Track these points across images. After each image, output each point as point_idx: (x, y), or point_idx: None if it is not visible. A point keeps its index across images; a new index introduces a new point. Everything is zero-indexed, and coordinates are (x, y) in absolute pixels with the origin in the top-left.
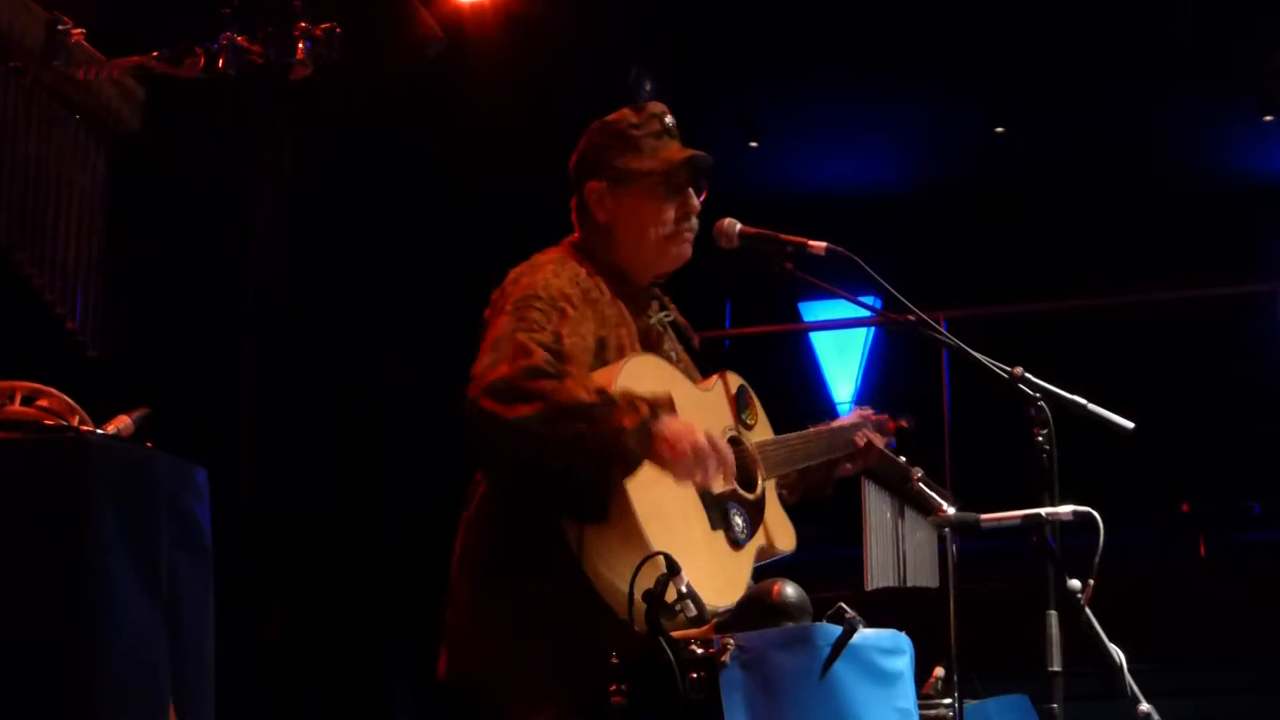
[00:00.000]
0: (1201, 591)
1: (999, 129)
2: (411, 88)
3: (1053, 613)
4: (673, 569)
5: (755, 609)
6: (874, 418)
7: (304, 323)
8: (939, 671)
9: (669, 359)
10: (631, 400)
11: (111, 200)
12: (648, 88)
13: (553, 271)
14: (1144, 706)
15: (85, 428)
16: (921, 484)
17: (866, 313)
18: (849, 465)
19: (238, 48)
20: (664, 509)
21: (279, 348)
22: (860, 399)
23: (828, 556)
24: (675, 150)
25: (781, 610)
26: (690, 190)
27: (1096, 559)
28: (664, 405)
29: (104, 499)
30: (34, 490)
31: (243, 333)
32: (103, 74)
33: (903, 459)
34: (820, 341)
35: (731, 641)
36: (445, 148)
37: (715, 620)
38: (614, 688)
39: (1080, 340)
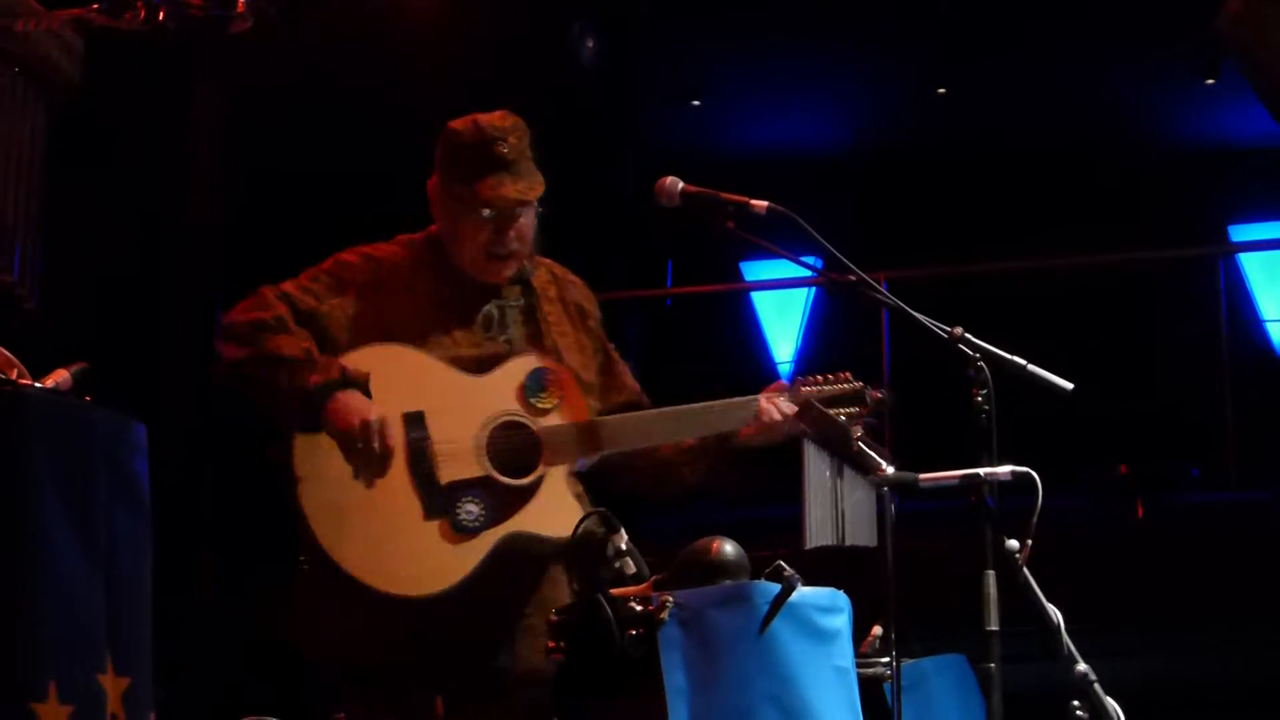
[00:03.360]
0: (1139, 553)
1: (941, 90)
2: (350, 42)
3: (990, 572)
4: (611, 526)
5: (694, 567)
6: (842, 388)
7: (241, 278)
8: (877, 630)
9: (491, 341)
10: (330, 364)
11: (50, 153)
12: (590, 45)
13: (366, 254)
14: (1080, 667)
15: (24, 381)
16: (860, 443)
17: (808, 272)
18: (748, 436)
19: (177, 1)
20: (341, 505)
21: (216, 303)
22: (800, 358)
23: (766, 515)
24: (497, 184)
25: (720, 568)
26: (506, 223)
27: (1034, 519)
28: (359, 380)
29: (42, 452)
30: None
31: (180, 287)
32: (42, 26)
33: (842, 418)
34: (761, 301)
35: (670, 599)
36: (384, 101)
37: (654, 578)
38: (552, 644)
39: (1020, 301)
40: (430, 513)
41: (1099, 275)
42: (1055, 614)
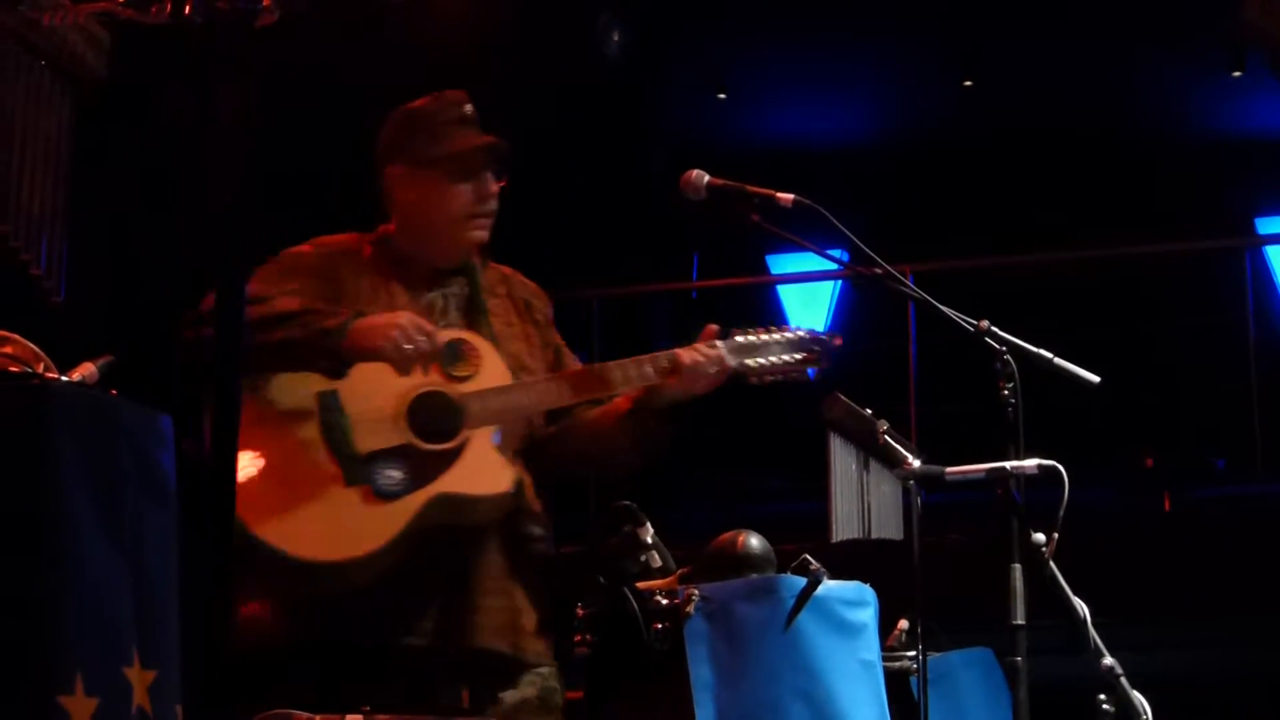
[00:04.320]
0: (1166, 546)
1: (967, 82)
2: (376, 36)
3: (1017, 566)
4: (636, 519)
5: (720, 560)
6: (784, 336)
7: None
8: (903, 624)
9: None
10: (334, 310)
11: (76, 147)
12: (615, 38)
13: (318, 242)
14: (1107, 660)
15: (50, 374)
16: (887, 436)
17: (834, 265)
18: (672, 387)
19: None
20: (257, 481)
21: (243, 296)
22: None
23: (792, 509)
24: (471, 137)
25: (746, 561)
26: (487, 175)
27: (1061, 513)
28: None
29: (68, 445)
30: None
31: (207, 281)
32: (68, 19)
33: (868, 412)
34: (787, 294)
35: (696, 592)
36: (409, 95)
37: (680, 572)
38: (579, 638)
39: (1046, 294)
40: (351, 480)
41: (1125, 267)
42: (1082, 607)
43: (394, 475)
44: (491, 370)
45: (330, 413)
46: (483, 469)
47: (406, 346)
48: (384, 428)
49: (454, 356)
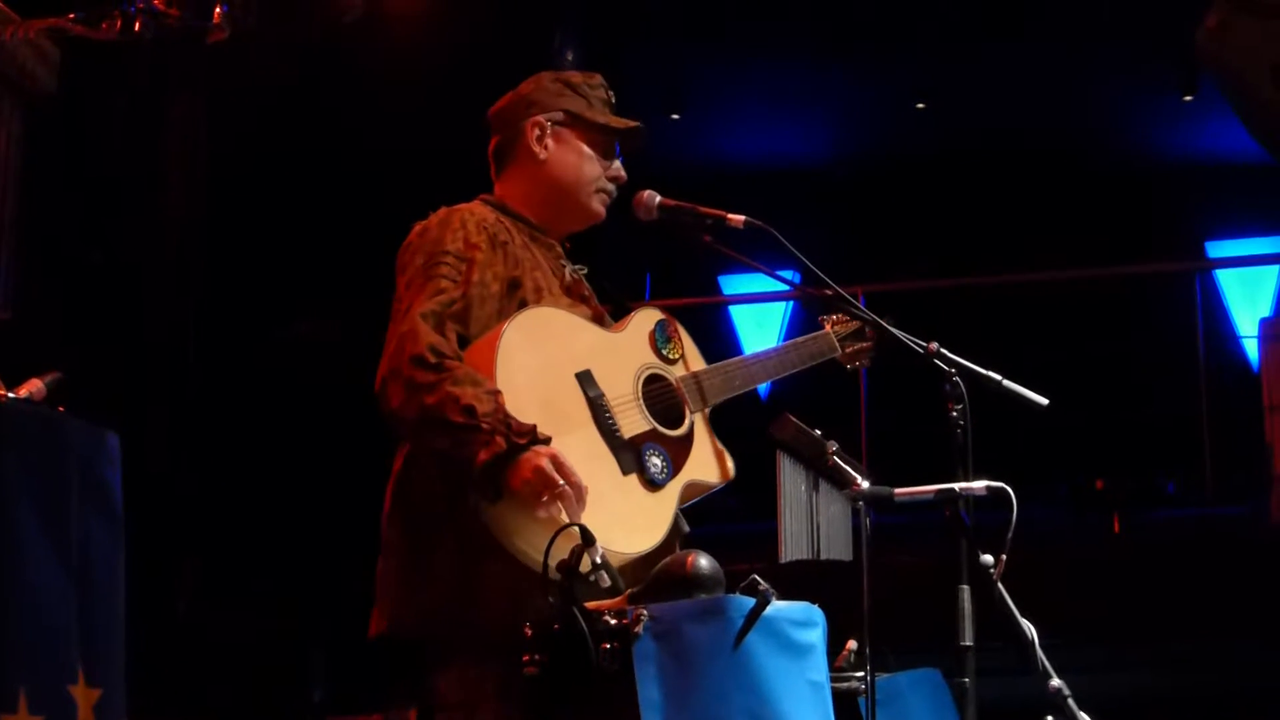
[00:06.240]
0: (1114, 568)
1: (920, 104)
2: (328, 53)
3: (965, 587)
4: (587, 539)
5: (669, 580)
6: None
7: (219, 286)
8: (851, 644)
9: (583, 302)
10: (494, 430)
11: (26, 162)
12: (569, 58)
13: (459, 221)
14: (1055, 682)
15: None
16: (836, 458)
17: (785, 286)
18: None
19: (154, 10)
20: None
21: (193, 312)
22: None
23: (742, 529)
24: (617, 119)
25: (695, 582)
26: (618, 160)
27: (1009, 534)
28: (528, 436)
29: (14, 462)
30: None
31: (156, 297)
32: (18, 35)
33: (818, 432)
34: (739, 315)
35: (645, 613)
36: (361, 112)
37: (629, 591)
38: (527, 658)
39: (996, 316)
40: (626, 468)
41: (1076, 290)
42: (1030, 629)
43: (657, 462)
44: (691, 349)
45: (591, 389)
46: (711, 456)
47: (554, 512)
48: (633, 412)
49: (664, 336)
